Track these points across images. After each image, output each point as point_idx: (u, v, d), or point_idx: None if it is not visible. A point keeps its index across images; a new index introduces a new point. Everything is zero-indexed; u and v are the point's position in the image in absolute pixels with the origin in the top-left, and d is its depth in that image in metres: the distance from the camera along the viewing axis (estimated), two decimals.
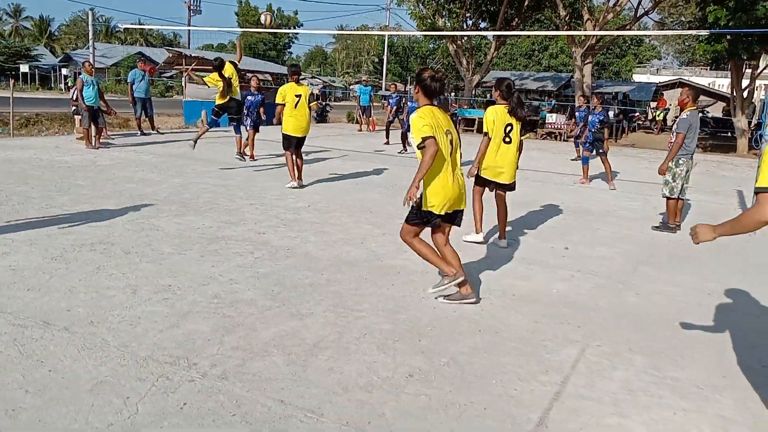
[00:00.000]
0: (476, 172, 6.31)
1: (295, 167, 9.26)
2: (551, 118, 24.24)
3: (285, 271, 5.19)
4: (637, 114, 31.41)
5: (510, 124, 6.16)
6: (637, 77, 52.01)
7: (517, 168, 6.42)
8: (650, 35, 50.11)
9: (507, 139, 6.18)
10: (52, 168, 9.22)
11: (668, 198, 7.64)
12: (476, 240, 6.54)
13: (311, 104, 9.23)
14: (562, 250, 6.47)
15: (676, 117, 7.75)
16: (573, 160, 15.58)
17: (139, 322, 3.97)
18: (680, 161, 7.50)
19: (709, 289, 5.41)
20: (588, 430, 3.02)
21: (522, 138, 6.34)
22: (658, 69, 56.00)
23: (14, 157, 10.79)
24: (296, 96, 8.92)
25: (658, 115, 30.87)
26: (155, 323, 3.95)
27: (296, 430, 2.86)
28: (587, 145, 11.31)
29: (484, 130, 6.25)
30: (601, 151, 11.19)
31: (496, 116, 6.15)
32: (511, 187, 6.39)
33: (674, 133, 7.47)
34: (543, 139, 23.40)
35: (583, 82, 23.57)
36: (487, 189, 6.52)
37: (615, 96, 31.21)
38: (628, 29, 26.55)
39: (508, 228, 6.70)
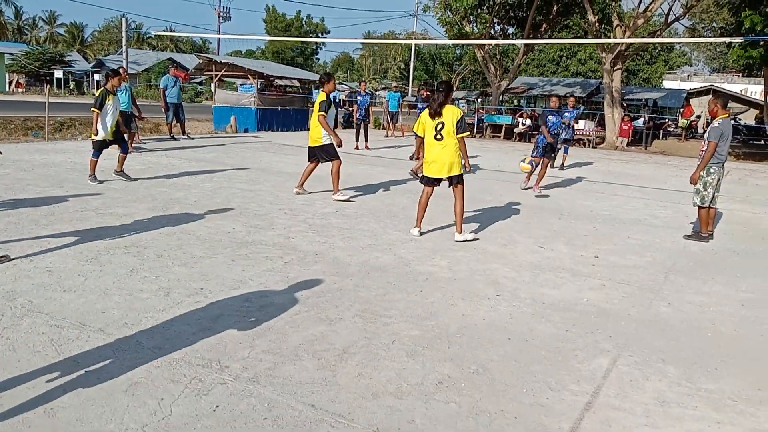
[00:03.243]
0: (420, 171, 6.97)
1: (307, 176, 9.04)
2: (579, 124, 23.94)
3: (314, 276, 5.23)
4: (666, 121, 30.94)
5: (441, 123, 6.56)
6: (668, 84, 51.32)
7: (463, 159, 6.73)
8: (682, 42, 49.38)
9: (438, 137, 6.59)
10: (87, 171, 9.39)
11: (700, 207, 7.52)
12: (413, 234, 6.94)
13: (319, 113, 8.44)
14: (593, 258, 6.41)
15: (705, 123, 7.72)
16: (560, 168, 14.48)
17: (172, 324, 4.03)
18: (711, 170, 7.38)
19: (743, 299, 5.32)
20: None
21: (459, 135, 6.58)
22: (688, 75, 55.18)
23: (49, 160, 11.05)
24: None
25: (683, 124, 30.26)
26: (187, 326, 4.01)
27: None
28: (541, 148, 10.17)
29: (414, 130, 7.00)
30: (553, 155, 10.86)
31: (426, 118, 6.70)
32: (459, 179, 6.74)
33: (706, 142, 7.36)
34: (571, 145, 23.17)
35: (613, 87, 23.32)
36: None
37: (645, 103, 30.81)
38: (658, 35, 26.20)
39: (545, 234, 7.23)
